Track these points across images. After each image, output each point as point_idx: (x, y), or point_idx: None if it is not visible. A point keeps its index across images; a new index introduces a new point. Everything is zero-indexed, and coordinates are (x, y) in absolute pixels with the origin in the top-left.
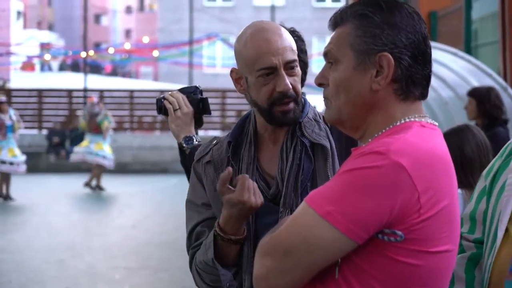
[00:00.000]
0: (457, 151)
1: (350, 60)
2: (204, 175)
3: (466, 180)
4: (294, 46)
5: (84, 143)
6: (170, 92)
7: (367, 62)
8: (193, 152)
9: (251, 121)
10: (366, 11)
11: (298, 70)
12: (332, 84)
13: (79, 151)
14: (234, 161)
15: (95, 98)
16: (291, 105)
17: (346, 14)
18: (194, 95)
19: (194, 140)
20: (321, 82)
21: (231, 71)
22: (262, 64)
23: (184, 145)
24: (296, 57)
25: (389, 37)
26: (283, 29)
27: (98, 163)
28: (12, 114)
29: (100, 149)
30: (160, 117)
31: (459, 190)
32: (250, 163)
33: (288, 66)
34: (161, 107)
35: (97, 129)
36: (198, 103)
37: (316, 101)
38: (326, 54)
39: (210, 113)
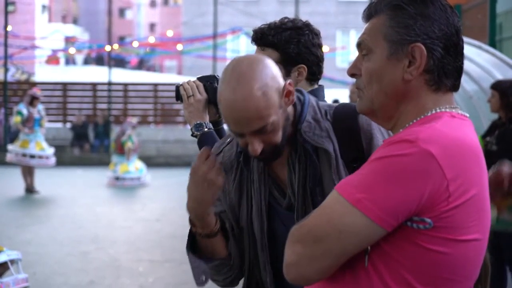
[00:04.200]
0: None
1: (383, 50)
2: None
3: None
4: (267, 106)
5: (111, 165)
6: (187, 80)
7: (400, 53)
8: (202, 139)
9: None
10: (400, 2)
11: (271, 126)
12: (365, 74)
13: (109, 176)
14: (246, 169)
15: (134, 120)
16: (269, 153)
17: (380, 5)
18: (210, 83)
19: (205, 127)
20: (353, 72)
21: None
22: (231, 127)
23: (194, 131)
24: (267, 121)
25: (422, 28)
26: (259, 82)
27: (129, 185)
28: (40, 109)
29: (126, 171)
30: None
31: None
32: (261, 173)
33: (256, 132)
34: (178, 94)
35: (121, 149)
36: (214, 91)
37: (335, 95)
38: (359, 45)
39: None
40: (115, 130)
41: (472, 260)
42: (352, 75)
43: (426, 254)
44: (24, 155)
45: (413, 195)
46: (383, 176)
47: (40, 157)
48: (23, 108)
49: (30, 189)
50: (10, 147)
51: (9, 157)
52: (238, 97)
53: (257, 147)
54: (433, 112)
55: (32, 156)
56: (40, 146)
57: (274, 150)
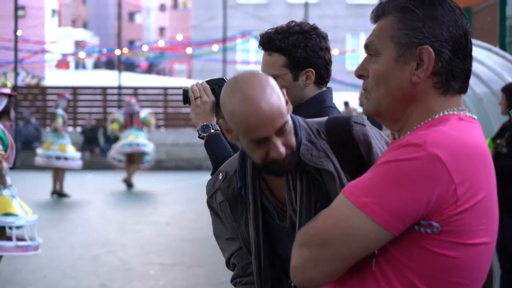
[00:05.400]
0: None
1: (391, 52)
2: (221, 212)
3: None
4: (282, 104)
5: (126, 138)
6: (196, 83)
7: (408, 55)
8: (209, 141)
9: (249, 159)
10: (408, 4)
11: (289, 125)
12: (372, 76)
13: (117, 145)
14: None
15: (133, 99)
16: (286, 160)
17: (388, 7)
18: (218, 86)
19: (211, 128)
20: (361, 73)
21: (222, 122)
22: (253, 135)
23: (201, 132)
24: (286, 117)
25: (430, 30)
26: (269, 86)
27: (142, 151)
28: None
29: (134, 139)
30: None
31: None
32: (256, 202)
33: (280, 131)
34: (186, 97)
35: (139, 124)
36: None
37: (345, 97)
38: (367, 46)
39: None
40: (117, 113)
41: (480, 264)
42: (359, 76)
43: (434, 258)
44: (66, 158)
45: (421, 199)
46: (390, 180)
47: (77, 159)
48: (62, 112)
49: (61, 193)
50: (40, 151)
51: (44, 161)
52: (258, 90)
53: (282, 149)
54: (441, 114)
55: (73, 159)
56: (73, 148)
57: (291, 157)
